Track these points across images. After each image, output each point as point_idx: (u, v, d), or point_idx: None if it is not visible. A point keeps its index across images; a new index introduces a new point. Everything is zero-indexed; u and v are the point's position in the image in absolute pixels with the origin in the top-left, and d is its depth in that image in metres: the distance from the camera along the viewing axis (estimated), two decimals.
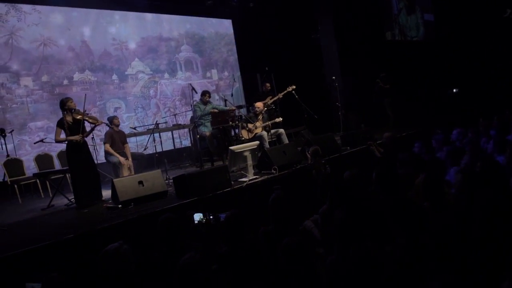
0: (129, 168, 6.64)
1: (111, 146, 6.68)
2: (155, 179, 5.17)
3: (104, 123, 6.46)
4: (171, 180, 5.52)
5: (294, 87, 8.18)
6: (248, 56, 11.46)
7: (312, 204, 4.01)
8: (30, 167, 7.41)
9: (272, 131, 7.62)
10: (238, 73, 11.65)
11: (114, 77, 9.29)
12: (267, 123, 7.53)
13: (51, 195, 6.10)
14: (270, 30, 11.16)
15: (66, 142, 5.37)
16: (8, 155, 7.15)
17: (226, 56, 11.62)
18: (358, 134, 7.60)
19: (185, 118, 9.69)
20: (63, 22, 8.60)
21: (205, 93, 7.81)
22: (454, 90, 14.67)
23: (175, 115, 8.99)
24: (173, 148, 8.73)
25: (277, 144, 7.53)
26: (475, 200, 2.05)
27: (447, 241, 1.90)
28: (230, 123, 7.23)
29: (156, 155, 7.10)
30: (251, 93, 10.75)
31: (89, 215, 4.78)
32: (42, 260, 3.40)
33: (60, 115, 5.56)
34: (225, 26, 11.67)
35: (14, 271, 3.28)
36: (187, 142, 9.53)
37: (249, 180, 5.38)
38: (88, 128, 5.66)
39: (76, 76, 8.68)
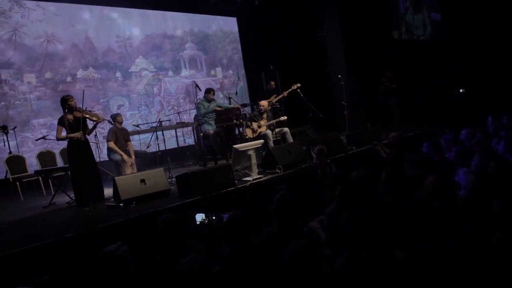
0: (131, 166, 6.58)
1: (114, 143, 6.62)
2: (158, 178, 5.09)
3: (106, 119, 6.38)
4: (174, 179, 5.44)
5: (299, 85, 8.09)
6: (253, 54, 11.37)
7: (317, 205, 3.92)
8: (33, 164, 7.36)
9: (277, 130, 7.53)
10: (243, 71, 11.56)
11: (118, 74, 9.23)
12: (271, 121, 7.44)
13: (53, 193, 6.03)
14: (275, 28, 11.06)
15: (67, 139, 5.31)
16: (10, 152, 7.10)
17: (231, 54, 11.53)
18: (364, 134, 7.51)
19: (189, 116, 9.62)
20: (67, 19, 8.53)
21: (209, 91, 7.73)
22: (461, 90, 14.53)
23: (178, 113, 8.91)
24: (176, 146, 8.66)
25: (281, 143, 7.44)
26: (494, 203, 1.94)
27: (463, 247, 1.80)
28: (234, 121, 7.15)
29: (159, 153, 7.02)
30: (256, 92, 10.66)
31: (90, 214, 4.70)
32: (40, 260, 3.33)
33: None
34: (230, 24, 11.58)
35: (11, 270, 3.21)
36: (190, 141, 9.46)
37: (253, 180, 5.30)
38: (90, 126, 5.59)
39: (80, 73, 8.62)
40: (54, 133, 5.43)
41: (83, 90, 5.90)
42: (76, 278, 3.19)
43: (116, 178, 4.92)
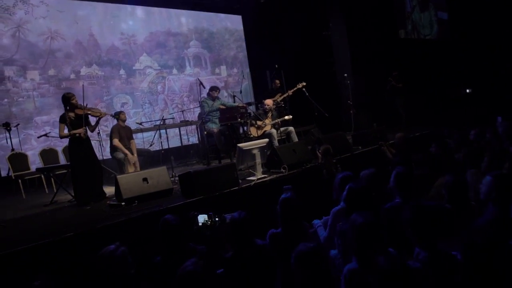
0: (134, 164, 6.52)
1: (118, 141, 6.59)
2: (160, 176, 5.00)
3: (108, 114, 6.29)
4: (177, 178, 5.35)
5: (304, 83, 8.02)
6: (258, 53, 11.25)
7: (323, 205, 3.83)
8: (36, 162, 7.31)
9: (282, 129, 7.44)
10: (247, 70, 11.48)
11: (122, 72, 9.16)
12: (276, 120, 7.35)
13: (55, 191, 5.97)
14: (281, 27, 10.96)
15: (69, 137, 5.24)
16: (13, 149, 7.05)
17: (236, 53, 11.44)
18: (370, 134, 7.40)
19: (193, 114, 9.55)
20: (70, 16, 8.48)
21: (213, 89, 7.65)
22: (468, 91, 14.39)
23: (182, 111, 8.84)
24: (180, 145, 8.59)
25: (286, 142, 7.35)
26: None
27: (481, 254, 1.70)
28: (239, 120, 7.06)
29: (162, 151, 6.94)
30: (260, 90, 10.58)
31: (90, 213, 4.63)
32: (37, 261, 3.24)
33: None
34: (235, 22, 11.49)
35: (8, 271, 3.13)
36: (194, 139, 9.38)
37: (258, 179, 5.20)
38: (92, 122, 5.52)
39: (83, 71, 8.56)
40: (57, 130, 5.37)
41: (83, 85, 5.82)
42: (74, 280, 3.11)
43: (118, 176, 4.84)
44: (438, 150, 4.75)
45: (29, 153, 7.37)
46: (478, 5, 12.78)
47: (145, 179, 4.85)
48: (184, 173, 4.91)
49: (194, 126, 8.98)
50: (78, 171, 5.17)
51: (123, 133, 6.74)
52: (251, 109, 8.71)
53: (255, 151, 5.38)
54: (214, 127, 7.47)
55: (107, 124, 8.34)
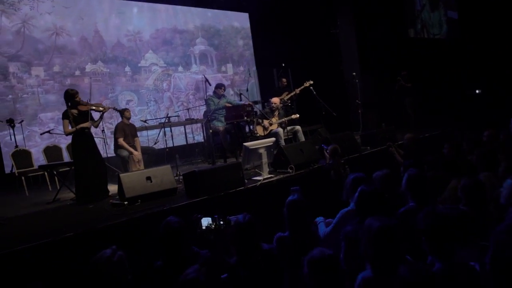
0: (138, 163, 6.43)
1: (123, 140, 6.50)
2: (164, 175, 4.89)
3: (111, 108, 6.17)
4: (182, 177, 5.24)
5: (311, 82, 7.90)
6: (265, 51, 11.11)
7: (330, 207, 3.71)
8: (40, 159, 7.24)
9: (288, 128, 7.33)
10: (254, 68, 11.35)
11: (127, 69, 9.08)
12: (283, 119, 7.23)
13: (58, 188, 5.89)
14: (288, 25, 10.82)
15: (74, 133, 5.15)
16: (16, 146, 6.98)
17: (242, 51, 11.32)
18: (379, 134, 7.26)
19: (199, 112, 9.44)
20: (76, 12, 8.39)
21: (219, 86, 7.54)
22: (477, 91, 14.20)
23: (188, 109, 8.74)
24: (185, 143, 8.49)
25: (293, 141, 7.23)
26: None
27: (501, 261, 1.57)
28: (245, 118, 6.95)
29: (167, 150, 6.84)
30: (267, 89, 10.44)
31: (92, 211, 4.53)
32: (34, 261, 3.14)
33: None
34: (241, 20, 11.36)
35: (5, 271, 3.03)
36: (200, 138, 9.27)
37: (264, 179, 5.09)
38: (96, 117, 5.44)
39: (88, 67, 8.47)
40: (61, 127, 5.28)
41: (90, 83, 5.72)
42: (72, 284, 3.00)
43: (121, 175, 4.74)
44: (451, 152, 4.60)
45: (33, 150, 7.29)
46: (489, 4, 12.58)
47: (148, 178, 4.74)
48: (189, 172, 4.80)
49: (199, 124, 8.86)
50: (81, 168, 5.08)
51: (127, 130, 6.66)
52: (258, 107, 8.60)
53: (262, 151, 5.26)
54: (219, 125, 7.36)
55: (112, 122, 8.25)
